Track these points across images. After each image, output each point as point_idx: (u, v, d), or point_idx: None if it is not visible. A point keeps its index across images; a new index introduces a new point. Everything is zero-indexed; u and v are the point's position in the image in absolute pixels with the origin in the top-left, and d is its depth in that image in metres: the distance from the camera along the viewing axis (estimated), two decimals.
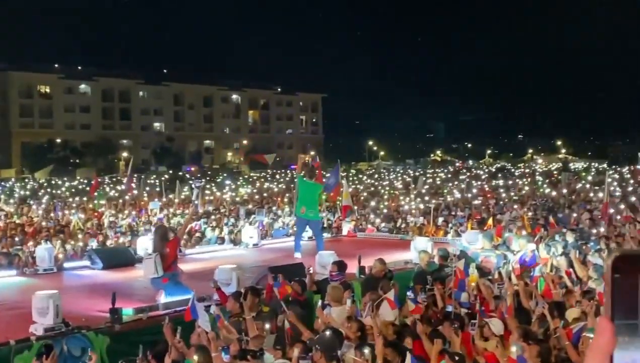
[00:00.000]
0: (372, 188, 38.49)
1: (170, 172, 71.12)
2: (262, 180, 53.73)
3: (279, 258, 14.22)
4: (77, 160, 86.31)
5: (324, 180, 23.55)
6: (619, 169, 57.03)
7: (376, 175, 59.80)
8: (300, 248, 14.50)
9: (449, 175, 54.36)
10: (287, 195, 29.59)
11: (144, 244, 14.22)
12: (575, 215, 19.30)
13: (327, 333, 6.66)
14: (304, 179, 14.96)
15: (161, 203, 26.52)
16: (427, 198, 27.96)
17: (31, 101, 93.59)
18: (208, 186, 40.11)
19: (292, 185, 29.60)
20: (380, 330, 7.16)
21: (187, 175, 61.24)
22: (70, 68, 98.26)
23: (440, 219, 19.94)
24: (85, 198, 32.48)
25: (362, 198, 30.15)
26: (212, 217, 22.12)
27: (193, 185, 18.09)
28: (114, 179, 58.07)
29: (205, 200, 29.91)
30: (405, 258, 13.04)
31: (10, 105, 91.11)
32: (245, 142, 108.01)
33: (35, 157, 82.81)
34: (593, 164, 78.28)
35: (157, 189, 37.52)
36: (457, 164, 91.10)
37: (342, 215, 20.25)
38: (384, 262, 10.38)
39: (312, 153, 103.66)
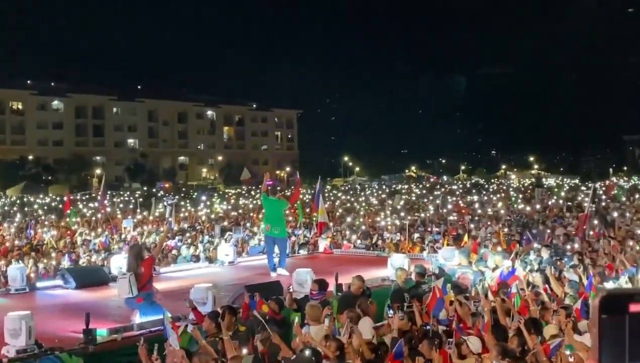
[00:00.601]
0: (348, 205, 38.46)
1: (144, 188, 70.54)
2: (238, 196, 53.47)
3: (255, 276, 14.10)
4: (50, 177, 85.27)
5: (300, 197, 23.51)
6: (591, 184, 57.78)
7: (351, 191, 59.86)
8: (274, 267, 14.43)
9: (424, 191, 54.61)
10: (262, 211, 29.46)
11: (118, 263, 14.03)
12: (548, 231, 19.47)
13: (306, 353, 6.61)
14: (268, 196, 14.88)
15: (135, 220, 26.26)
16: (402, 214, 28.05)
17: (3, 117, 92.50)
18: (182, 203, 39.82)
19: None
20: (358, 349, 7.12)
21: (161, 192, 60.80)
22: (43, 84, 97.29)
23: (416, 235, 19.97)
24: (53, 216, 32.02)
25: (337, 214, 30.14)
26: (187, 234, 21.93)
27: (165, 203, 17.95)
28: (87, 196, 57.38)
29: (180, 217, 29.68)
30: (382, 275, 13.03)
31: None
32: (220, 158, 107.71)
33: (7, 173, 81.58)
34: (565, 179, 79.30)
35: (131, 206, 37.17)
36: (432, 179, 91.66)
37: (318, 232, 20.20)
38: (363, 279, 10.33)
39: (288, 169, 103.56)
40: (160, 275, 14.50)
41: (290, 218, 25.46)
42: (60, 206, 41.21)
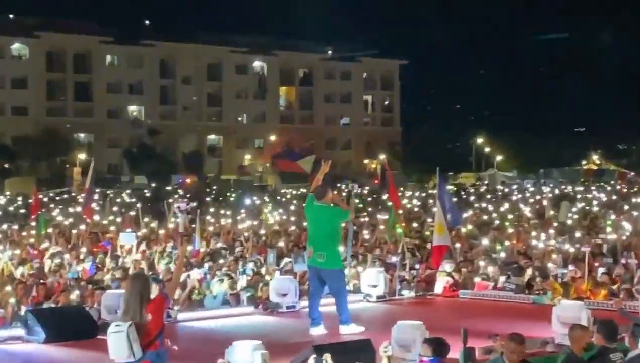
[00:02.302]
0: (485, 217, 38.07)
1: (153, 185, 71.72)
2: (300, 201, 53.78)
3: (329, 330, 14.30)
4: (6, 165, 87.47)
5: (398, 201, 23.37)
6: None
7: (489, 195, 59.26)
8: (320, 320, 14.46)
9: (614, 196, 53.45)
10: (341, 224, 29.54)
11: (111, 302, 14.28)
12: None
13: None
14: (315, 200, 14.77)
15: (138, 235, 26.68)
16: (577, 234, 27.59)
17: None
18: (212, 210, 40.31)
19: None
20: None
21: (179, 191, 61.78)
22: None
23: (601, 271, 19.58)
24: (12, 227, 32.88)
25: (465, 232, 29.91)
26: (221, 260, 22.19)
27: (176, 209, 18.20)
28: (65, 196, 58.85)
29: (209, 232, 30.00)
30: (542, 336, 13.04)
31: None
32: (272, 137, 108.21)
33: None
34: None
35: (133, 213, 37.87)
36: (630, 175, 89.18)
37: (434, 262, 20.13)
38: (522, 341, 10.29)
39: (383, 156, 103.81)
40: (177, 325, 14.78)
41: (395, 235, 25.34)
42: (23, 211, 42.37)
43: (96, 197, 37.84)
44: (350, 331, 13.98)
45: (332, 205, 15.11)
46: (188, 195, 49.58)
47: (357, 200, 48.54)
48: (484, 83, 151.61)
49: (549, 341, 12.68)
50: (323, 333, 14.11)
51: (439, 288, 19.23)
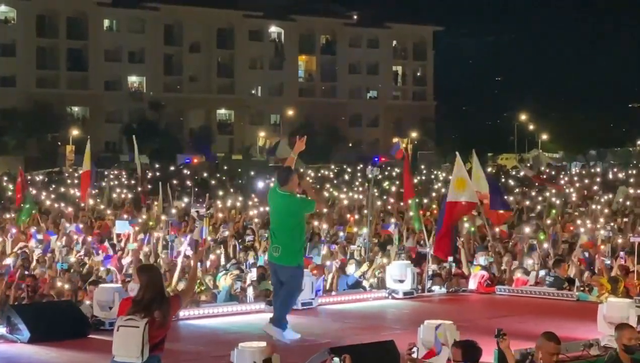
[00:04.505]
0: (527, 203, 38.03)
1: (157, 166, 71.72)
2: (323, 183, 53.70)
3: (349, 331, 14.47)
4: None
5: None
6: None
7: (534, 178, 59.16)
8: (286, 326, 13.93)
9: None
10: (364, 211, 29.58)
11: (105, 297, 14.37)
12: None
13: None
14: (278, 187, 14.37)
15: (137, 222, 26.73)
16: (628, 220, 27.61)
17: None
18: (221, 193, 40.36)
19: (376, 192, 29.52)
20: None
21: (185, 172, 61.75)
22: None
23: None
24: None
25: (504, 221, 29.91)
26: (229, 250, 22.22)
27: (194, 213, 18.19)
28: (56, 176, 58.98)
29: (217, 218, 30.03)
30: (586, 338, 13.00)
31: None
32: (290, 112, 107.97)
33: None
34: None
35: (131, 197, 37.96)
36: None
37: (447, 220, 20.36)
38: (557, 341, 10.27)
39: (415, 135, 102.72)
40: (177, 324, 14.84)
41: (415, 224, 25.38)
42: (10, 193, 42.53)
43: (94, 178, 37.70)
44: (285, 337, 13.61)
45: (296, 194, 14.70)
46: (201, 201, 49.26)
47: (386, 183, 48.76)
48: (529, 53, 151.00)
49: (593, 343, 12.65)
50: (293, 338, 13.80)
51: (473, 284, 19.16)
